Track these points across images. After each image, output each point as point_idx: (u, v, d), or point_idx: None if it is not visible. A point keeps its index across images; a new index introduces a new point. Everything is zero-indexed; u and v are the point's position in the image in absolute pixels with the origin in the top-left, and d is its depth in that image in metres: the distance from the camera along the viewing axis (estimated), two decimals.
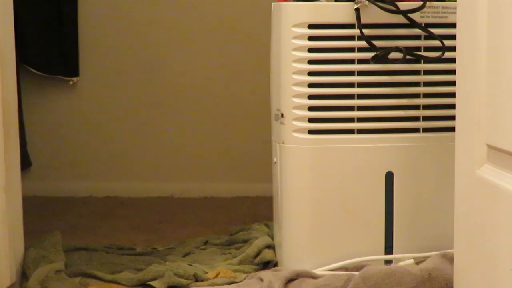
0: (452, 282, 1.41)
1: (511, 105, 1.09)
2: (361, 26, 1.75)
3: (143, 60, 2.86)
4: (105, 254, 2.00)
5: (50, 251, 1.89)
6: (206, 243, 2.14)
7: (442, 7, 1.79)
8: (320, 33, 1.78)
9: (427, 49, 1.80)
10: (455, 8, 1.57)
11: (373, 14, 1.76)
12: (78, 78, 2.88)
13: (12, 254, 1.77)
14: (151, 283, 1.75)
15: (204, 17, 2.86)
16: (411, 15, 1.77)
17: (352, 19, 1.76)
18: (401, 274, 1.64)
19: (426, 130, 1.83)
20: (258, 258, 1.90)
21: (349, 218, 1.82)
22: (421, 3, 1.76)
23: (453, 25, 1.39)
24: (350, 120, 1.80)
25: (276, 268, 1.83)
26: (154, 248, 2.09)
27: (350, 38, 1.78)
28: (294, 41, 1.77)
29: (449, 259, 1.65)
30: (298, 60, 1.78)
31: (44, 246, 1.92)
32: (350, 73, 1.80)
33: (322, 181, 1.81)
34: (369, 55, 1.77)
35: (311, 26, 1.77)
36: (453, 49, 1.42)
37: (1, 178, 1.71)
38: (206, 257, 2.00)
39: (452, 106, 1.37)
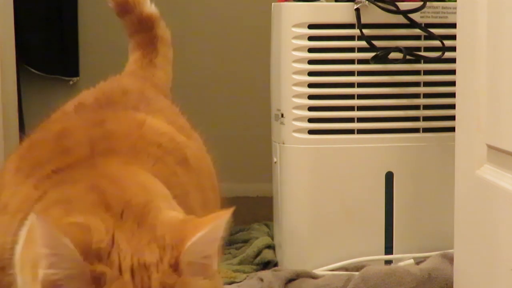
0: (452, 282, 1.41)
1: (511, 105, 1.09)
2: (361, 26, 1.75)
3: None
4: None
5: None
6: None
7: (442, 7, 1.79)
8: (320, 33, 1.78)
9: (427, 49, 1.80)
10: (455, 8, 1.57)
11: (373, 14, 1.76)
12: (78, 78, 2.88)
13: None
14: None
15: (204, 17, 2.86)
16: (411, 15, 1.77)
17: (352, 19, 1.76)
18: (401, 274, 1.64)
19: (426, 130, 1.83)
20: (258, 258, 1.90)
21: (349, 218, 1.82)
22: (421, 3, 1.76)
23: (453, 25, 1.39)
24: (350, 120, 1.80)
25: (276, 268, 1.83)
26: None
27: (350, 38, 1.78)
28: (294, 41, 1.77)
29: (449, 259, 1.65)
30: (298, 60, 1.78)
31: None
32: (350, 73, 1.80)
33: (322, 181, 1.81)
34: (369, 55, 1.77)
35: (311, 26, 1.77)
36: (453, 49, 1.42)
37: None
38: None
39: (452, 106, 1.37)
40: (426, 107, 1.83)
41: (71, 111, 1.18)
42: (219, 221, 0.82)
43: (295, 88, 1.79)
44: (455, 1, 1.35)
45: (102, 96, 1.21)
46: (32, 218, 0.84)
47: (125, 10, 1.46)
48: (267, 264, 1.89)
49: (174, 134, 1.11)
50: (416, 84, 1.82)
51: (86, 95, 1.25)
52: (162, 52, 1.47)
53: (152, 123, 1.09)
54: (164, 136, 1.07)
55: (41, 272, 0.79)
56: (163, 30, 1.50)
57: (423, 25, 1.78)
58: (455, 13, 1.38)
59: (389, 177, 1.82)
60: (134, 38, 1.48)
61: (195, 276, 0.83)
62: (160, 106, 1.24)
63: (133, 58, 1.48)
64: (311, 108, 1.79)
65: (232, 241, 2.10)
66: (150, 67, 1.45)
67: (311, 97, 1.79)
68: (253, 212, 2.48)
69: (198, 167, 1.12)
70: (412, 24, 1.77)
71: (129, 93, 1.23)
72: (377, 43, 1.76)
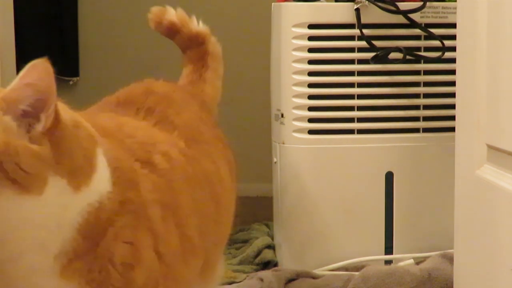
0: (452, 282, 1.41)
1: (511, 105, 1.09)
2: (361, 26, 1.75)
3: (143, 59, 2.86)
4: None
5: None
6: None
7: (442, 7, 1.79)
8: (320, 33, 1.78)
9: (427, 49, 1.80)
10: (455, 8, 1.57)
11: (373, 14, 1.76)
12: (78, 78, 2.88)
13: None
14: None
15: (204, 17, 2.85)
16: (411, 15, 1.77)
17: (352, 19, 1.76)
18: (401, 274, 1.64)
19: (426, 130, 1.83)
20: (258, 258, 1.90)
21: (349, 218, 1.82)
22: (421, 3, 1.76)
23: (453, 25, 1.39)
24: (350, 120, 1.80)
25: (276, 268, 1.83)
26: None
27: (350, 38, 1.78)
28: (294, 41, 1.77)
29: (449, 259, 1.65)
30: (298, 60, 1.78)
31: None
32: (350, 73, 1.79)
33: (322, 181, 1.81)
34: (369, 55, 1.77)
35: (311, 26, 1.77)
36: (453, 49, 1.42)
37: None
38: None
39: (452, 106, 1.37)
40: (426, 107, 1.83)
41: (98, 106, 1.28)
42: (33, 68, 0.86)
43: (295, 88, 1.79)
44: (455, 1, 1.35)
45: (122, 95, 1.28)
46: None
47: (173, 32, 1.53)
48: (267, 264, 1.89)
49: (150, 139, 1.10)
50: (416, 84, 1.82)
51: (119, 93, 1.31)
52: (213, 67, 1.52)
53: (131, 125, 1.13)
54: (132, 136, 1.08)
55: None
56: (214, 46, 1.57)
57: (423, 25, 1.78)
58: (455, 13, 1.38)
59: (389, 177, 1.82)
60: (186, 53, 1.54)
61: (14, 120, 0.87)
62: (178, 111, 1.25)
63: (185, 72, 1.52)
64: (311, 108, 1.79)
65: (232, 241, 2.10)
66: (199, 82, 1.49)
67: (311, 97, 1.79)
68: (253, 212, 2.48)
69: (175, 177, 1.09)
70: (412, 24, 1.77)
71: (153, 94, 1.25)
72: (377, 43, 1.76)
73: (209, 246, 1.17)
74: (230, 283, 1.76)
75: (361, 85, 1.80)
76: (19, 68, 1.97)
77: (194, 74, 1.50)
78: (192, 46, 1.53)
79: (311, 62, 1.78)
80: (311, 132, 1.80)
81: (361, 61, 1.79)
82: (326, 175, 1.81)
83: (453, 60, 1.38)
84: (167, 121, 1.19)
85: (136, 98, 1.24)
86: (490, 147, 1.18)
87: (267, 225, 2.16)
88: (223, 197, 1.28)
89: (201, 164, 1.19)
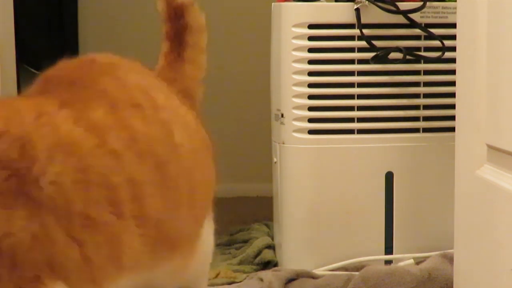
0: (452, 282, 1.41)
1: (511, 105, 1.09)
2: (361, 26, 1.75)
3: (143, 60, 2.85)
4: None
5: None
6: None
7: (442, 7, 1.79)
8: (320, 33, 1.78)
9: (427, 49, 1.80)
10: (455, 8, 1.57)
11: (373, 14, 1.76)
12: None
13: None
14: None
15: (204, 17, 2.85)
16: (411, 15, 1.77)
17: (352, 19, 1.76)
18: (401, 274, 1.64)
19: (426, 130, 1.83)
20: (258, 258, 1.90)
21: (349, 218, 1.82)
22: (421, 3, 1.76)
23: (453, 25, 1.39)
24: (350, 120, 1.80)
25: (276, 268, 1.83)
26: None
27: (350, 38, 1.78)
28: (294, 41, 1.77)
29: (449, 259, 1.65)
30: (298, 60, 1.78)
31: None
32: (350, 73, 1.79)
33: (322, 181, 1.81)
34: (369, 55, 1.77)
35: (311, 26, 1.77)
36: (453, 49, 1.42)
37: None
38: None
39: (452, 106, 1.37)
40: (426, 107, 1.83)
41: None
42: None
43: (295, 88, 1.79)
44: (455, 1, 1.35)
45: (54, 71, 1.25)
46: None
47: None
48: (267, 264, 1.89)
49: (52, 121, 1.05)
50: (416, 84, 1.82)
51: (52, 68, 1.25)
52: (192, 42, 1.40)
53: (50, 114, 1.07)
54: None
55: None
56: (194, 17, 1.41)
57: (423, 25, 1.78)
58: (455, 13, 1.38)
59: (389, 177, 1.82)
60: (164, 26, 1.40)
61: None
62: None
63: (163, 50, 1.41)
64: (311, 108, 1.79)
65: (232, 241, 2.10)
66: (178, 62, 1.39)
67: (311, 97, 1.79)
68: (253, 212, 2.48)
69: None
70: (412, 24, 1.77)
71: (91, 64, 1.23)
72: (377, 43, 1.76)
73: (155, 215, 1.10)
74: (230, 283, 1.76)
75: (361, 85, 1.80)
76: (19, 68, 1.97)
77: (172, 54, 1.39)
78: (170, 19, 1.39)
79: (311, 62, 1.78)
80: (311, 132, 1.80)
81: (361, 61, 1.79)
82: (326, 175, 1.81)
83: (453, 60, 1.38)
84: (90, 90, 1.15)
85: (65, 71, 1.22)
86: (490, 147, 1.18)
87: (267, 225, 2.16)
88: (174, 162, 1.19)
89: (133, 128, 1.13)
